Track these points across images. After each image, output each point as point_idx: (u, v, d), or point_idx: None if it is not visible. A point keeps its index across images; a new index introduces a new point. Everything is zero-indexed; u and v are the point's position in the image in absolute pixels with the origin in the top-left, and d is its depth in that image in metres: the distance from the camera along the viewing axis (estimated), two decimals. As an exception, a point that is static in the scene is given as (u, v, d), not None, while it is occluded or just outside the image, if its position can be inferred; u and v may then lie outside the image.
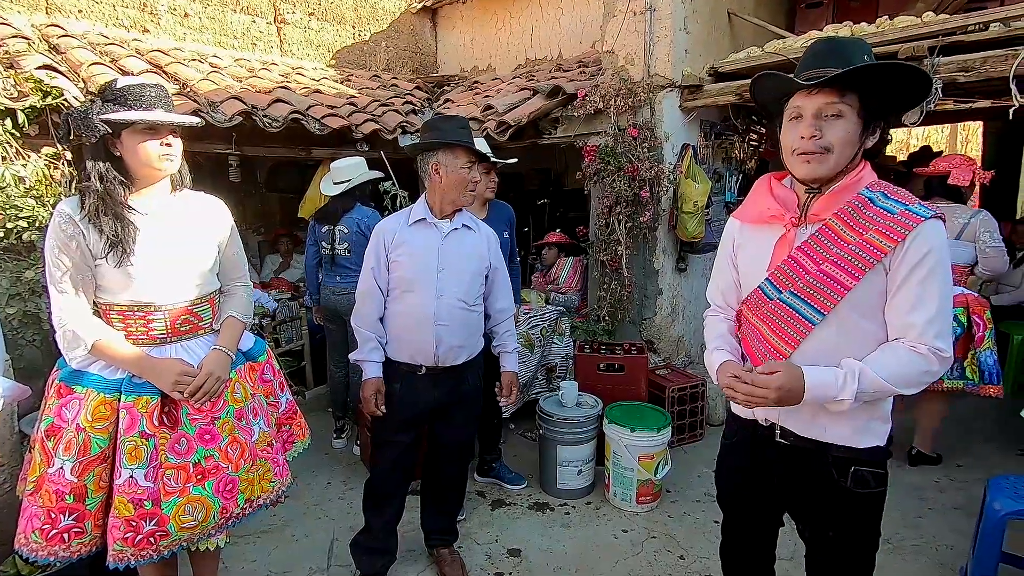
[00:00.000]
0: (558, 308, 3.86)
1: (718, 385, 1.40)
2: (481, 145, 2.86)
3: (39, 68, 2.81)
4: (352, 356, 2.18)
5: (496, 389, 2.36)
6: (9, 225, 2.52)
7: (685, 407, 3.45)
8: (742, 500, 1.55)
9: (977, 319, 3.01)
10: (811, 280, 1.27)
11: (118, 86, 1.53)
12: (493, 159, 2.79)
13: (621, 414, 2.91)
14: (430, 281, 2.08)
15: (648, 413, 2.97)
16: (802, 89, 1.25)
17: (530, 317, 3.59)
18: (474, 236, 2.20)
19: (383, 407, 2.11)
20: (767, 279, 1.35)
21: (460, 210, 2.18)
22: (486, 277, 2.23)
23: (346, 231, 3.31)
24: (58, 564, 1.51)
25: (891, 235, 1.21)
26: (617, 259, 3.75)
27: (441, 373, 2.14)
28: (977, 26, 2.80)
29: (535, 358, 3.57)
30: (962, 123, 9.51)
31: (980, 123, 7.70)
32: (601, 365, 3.32)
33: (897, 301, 1.24)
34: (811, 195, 1.31)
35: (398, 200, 3.80)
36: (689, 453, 3.40)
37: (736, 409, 1.51)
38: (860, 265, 1.23)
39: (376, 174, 3.49)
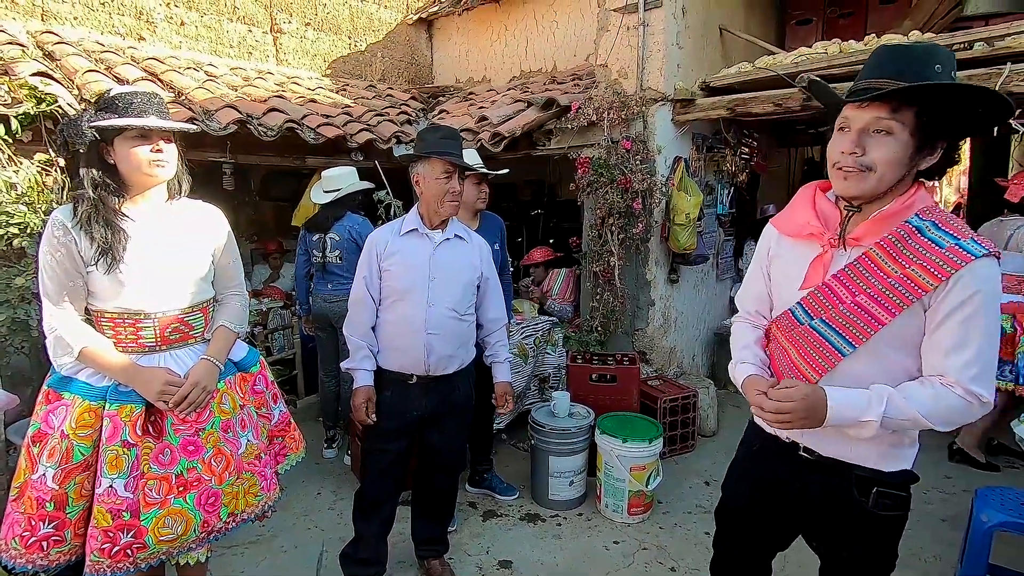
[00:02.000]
0: (551, 319, 3.87)
1: (747, 400, 1.35)
2: (471, 156, 2.88)
3: (33, 75, 2.81)
4: (344, 364, 2.18)
5: (493, 400, 2.36)
6: (0, 232, 2.51)
7: (677, 418, 3.46)
8: (750, 512, 1.49)
9: (1018, 326, 3.12)
10: (844, 311, 1.21)
11: (111, 95, 1.54)
12: (483, 170, 2.80)
13: (613, 425, 2.91)
14: (422, 290, 2.08)
15: (640, 424, 2.97)
16: (847, 103, 1.17)
17: (523, 327, 3.59)
18: (466, 246, 2.21)
19: (374, 415, 2.10)
20: (799, 303, 1.29)
21: (452, 220, 2.19)
22: (478, 287, 2.24)
23: (337, 239, 3.32)
24: (39, 573, 1.49)
25: (935, 272, 1.12)
26: (610, 270, 3.77)
27: (432, 382, 2.14)
28: (962, 45, 2.86)
29: (528, 368, 3.57)
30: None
31: (968, 138, 7.83)
32: (593, 376, 3.32)
33: (935, 341, 1.16)
34: (850, 213, 1.24)
35: (392, 209, 3.81)
36: (680, 464, 3.41)
37: (758, 420, 1.47)
38: (898, 301, 1.16)
39: (367, 184, 3.51)
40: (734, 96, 3.59)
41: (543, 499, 2.97)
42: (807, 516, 1.39)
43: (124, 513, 1.49)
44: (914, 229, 1.17)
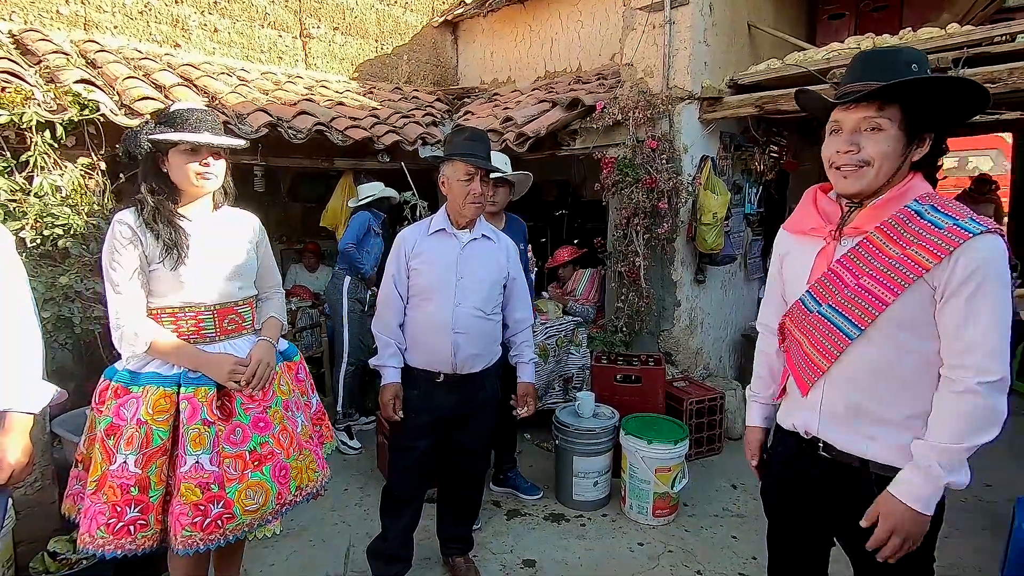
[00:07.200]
0: (575, 319, 3.85)
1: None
2: (501, 160, 2.89)
3: (77, 82, 2.92)
4: (372, 361, 2.22)
5: (512, 400, 2.37)
6: (46, 232, 2.62)
7: (703, 420, 3.42)
8: (787, 515, 1.50)
9: None
10: (849, 294, 1.24)
11: (171, 110, 1.68)
12: (506, 174, 2.80)
13: (638, 426, 2.89)
14: (448, 289, 2.11)
15: (665, 425, 2.95)
16: (837, 106, 1.23)
17: (546, 327, 3.59)
18: (493, 246, 2.22)
19: (400, 412, 2.14)
20: (808, 291, 1.33)
21: (479, 221, 2.21)
22: (504, 286, 2.25)
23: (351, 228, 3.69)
24: (116, 558, 1.54)
25: (935, 251, 1.15)
26: (635, 270, 3.74)
27: (459, 380, 2.16)
28: (1003, 37, 2.76)
29: (548, 367, 3.57)
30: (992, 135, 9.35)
31: (1010, 135, 7.54)
32: (618, 376, 3.30)
33: (944, 321, 1.17)
34: (852, 209, 1.29)
35: (418, 210, 3.86)
36: (707, 467, 3.36)
37: (780, 419, 1.49)
38: (900, 280, 1.18)
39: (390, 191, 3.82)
40: (763, 93, 3.52)
41: (567, 499, 2.97)
42: (835, 516, 1.38)
43: (212, 485, 1.58)
44: (913, 212, 1.20)
